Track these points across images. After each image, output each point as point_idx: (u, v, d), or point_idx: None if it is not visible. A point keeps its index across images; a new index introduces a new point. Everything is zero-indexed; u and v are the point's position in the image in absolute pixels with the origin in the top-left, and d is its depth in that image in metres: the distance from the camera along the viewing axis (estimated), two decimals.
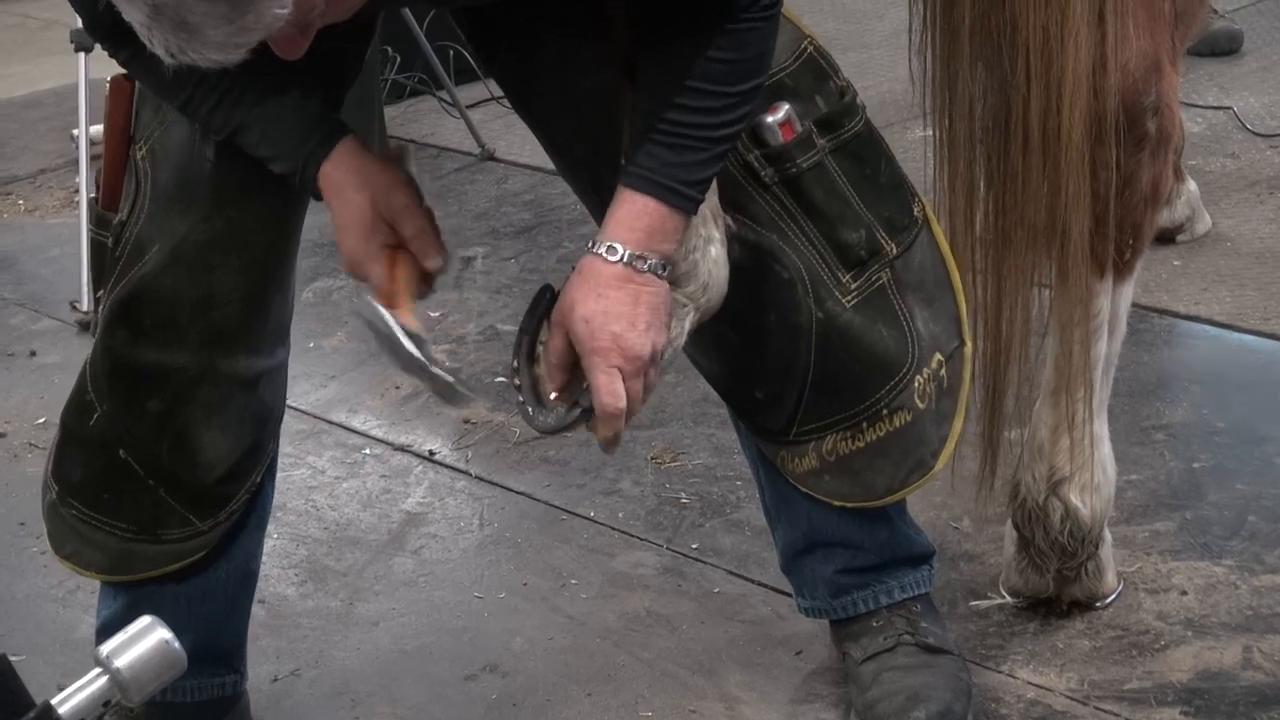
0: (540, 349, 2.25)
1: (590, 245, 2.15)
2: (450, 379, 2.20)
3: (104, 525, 2.45)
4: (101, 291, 2.41)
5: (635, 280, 2.13)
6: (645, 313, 2.14)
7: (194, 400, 2.37)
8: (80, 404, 2.44)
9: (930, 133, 2.62)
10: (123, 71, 2.32)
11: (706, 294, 2.26)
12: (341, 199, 2.21)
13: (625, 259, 2.13)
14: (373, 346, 2.27)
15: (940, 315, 2.49)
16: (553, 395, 2.21)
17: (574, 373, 2.21)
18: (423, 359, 2.18)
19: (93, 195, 2.46)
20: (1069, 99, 2.45)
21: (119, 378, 2.38)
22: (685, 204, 2.15)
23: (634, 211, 2.13)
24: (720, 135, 2.15)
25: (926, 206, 2.52)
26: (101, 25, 2.21)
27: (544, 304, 2.27)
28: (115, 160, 2.37)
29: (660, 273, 2.15)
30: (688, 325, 2.25)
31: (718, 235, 2.26)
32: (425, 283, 2.25)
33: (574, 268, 2.23)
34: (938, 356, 2.48)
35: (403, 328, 2.18)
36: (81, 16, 2.25)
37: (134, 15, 1.81)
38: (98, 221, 2.41)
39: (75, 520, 2.47)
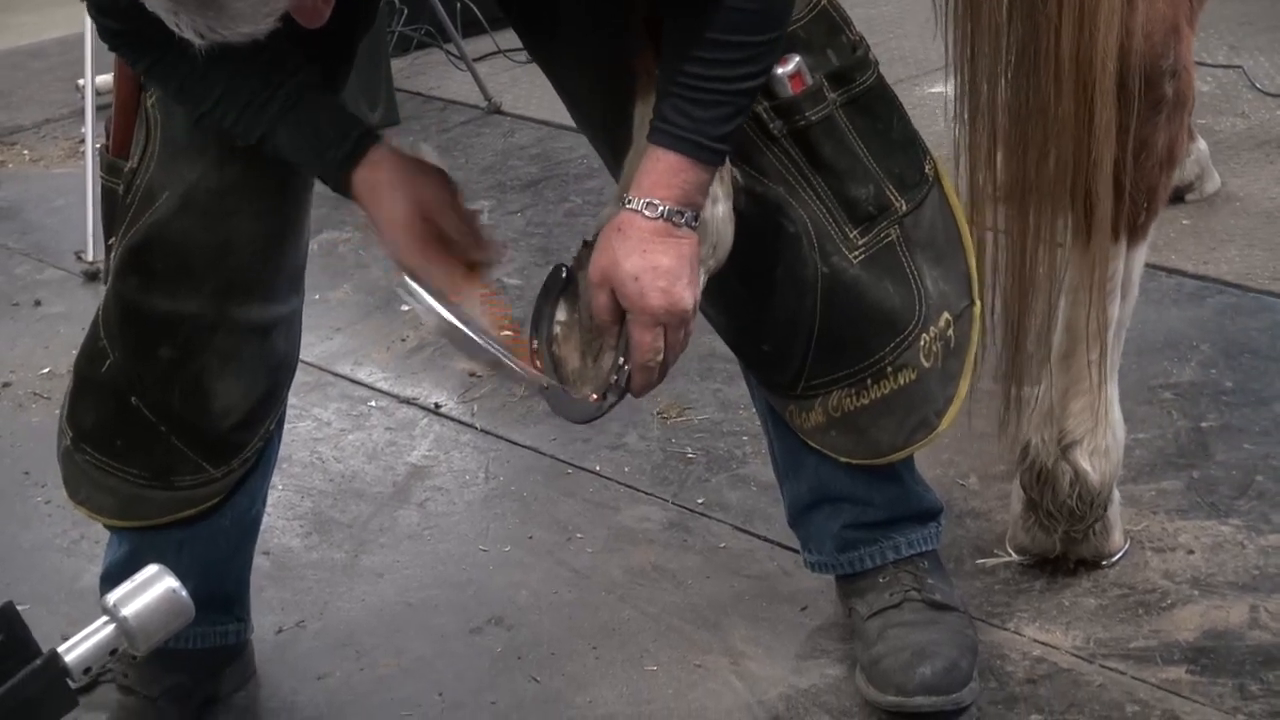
0: (559, 329, 2.26)
1: (627, 202, 2.16)
2: (512, 363, 2.24)
3: (116, 471, 2.45)
4: (113, 239, 2.40)
5: (675, 234, 2.16)
6: (687, 267, 2.17)
7: (208, 348, 2.36)
8: (93, 350, 2.43)
9: (949, 66, 2.58)
10: None
11: (715, 254, 2.26)
12: (379, 202, 2.24)
13: (665, 214, 2.15)
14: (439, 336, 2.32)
15: (950, 274, 2.49)
16: (592, 396, 2.23)
17: (590, 338, 2.23)
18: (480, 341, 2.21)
19: (102, 143, 2.45)
20: (1104, 26, 2.42)
21: (130, 324, 2.38)
22: (714, 159, 2.17)
23: (668, 168, 2.14)
24: (745, 88, 2.17)
25: (938, 164, 2.50)
26: (118, 36, 2.20)
27: (559, 284, 2.27)
28: (126, 107, 2.36)
29: (693, 225, 2.17)
30: (700, 285, 2.26)
31: (722, 192, 2.25)
32: (475, 274, 2.28)
33: (584, 242, 2.25)
34: (946, 316, 2.47)
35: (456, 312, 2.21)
36: (98, 28, 2.25)
37: (158, 3, 1.82)
38: (109, 169, 2.40)
39: (88, 465, 2.47)
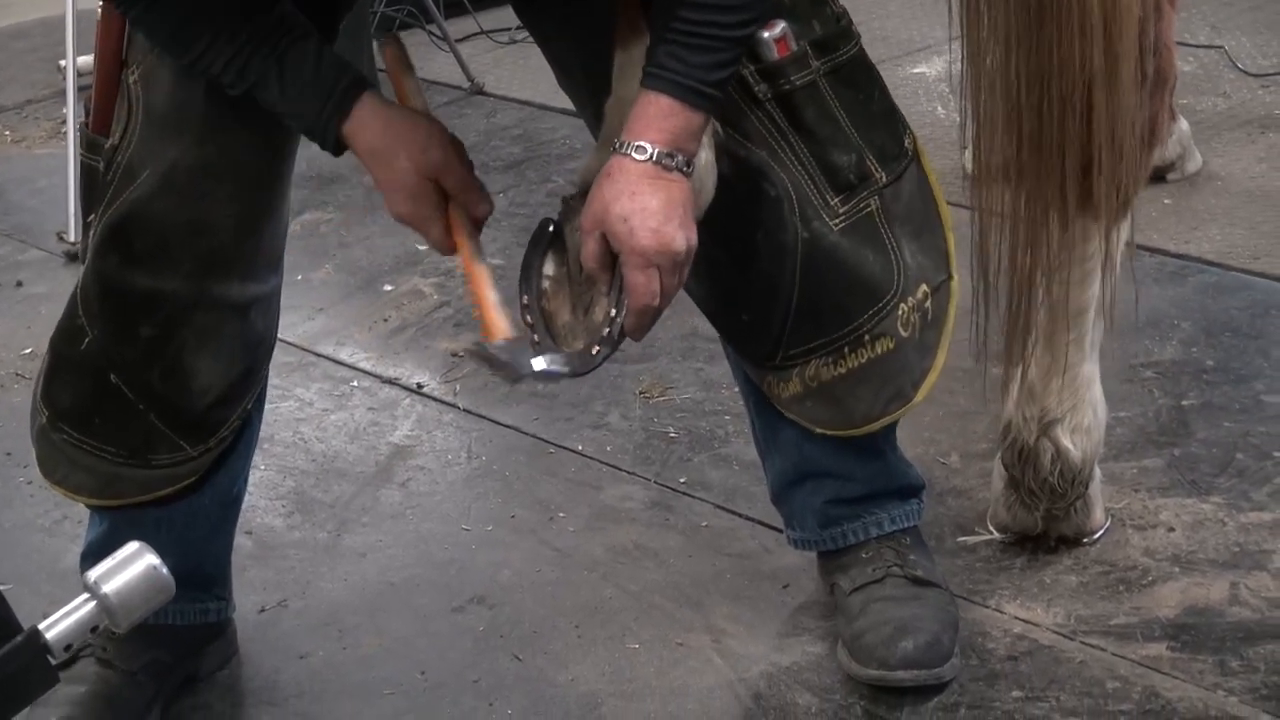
0: (548, 285, 2.25)
1: (617, 146, 2.16)
2: (565, 369, 2.24)
3: (94, 449, 2.45)
4: (92, 216, 2.39)
5: (665, 177, 2.15)
6: (678, 210, 2.16)
7: (187, 326, 2.36)
8: (71, 329, 2.43)
9: (952, 31, 2.56)
10: None
11: (696, 201, 2.24)
12: (380, 163, 2.24)
13: (654, 157, 2.14)
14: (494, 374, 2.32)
15: (927, 248, 2.49)
16: (594, 348, 2.21)
17: (580, 291, 2.23)
18: (543, 368, 2.22)
19: (82, 120, 2.44)
20: None
21: (109, 302, 2.37)
22: (707, 104, 2.17)
23: (659, 112, 2.14)
24: (738, 35, 2.16)
25: (917, 140, 2.51)
26: None
27: (546, 239, 2.27)
28: (107, 83, 2.35)
29: (685, 170, 2.17)
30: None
31: (705, 141, 2.25)
32: (476, 225, 2.30)
33: (563, 200, 2.26)
34: (924, 288, 2.48)
35: (505, 345, 2.22)
36: None
37: None
38: (89, 146, 2.39)
39: (65, 444, 2.46)
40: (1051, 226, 2.57)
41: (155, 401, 2.41)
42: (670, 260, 2.16)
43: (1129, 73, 2.46)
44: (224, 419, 2.47)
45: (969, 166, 2.65)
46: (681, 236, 2.16)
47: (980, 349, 2.69)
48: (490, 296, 2.24)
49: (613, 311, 2.19)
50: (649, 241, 2.14)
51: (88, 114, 2.41)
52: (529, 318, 2.26)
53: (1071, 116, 2.49)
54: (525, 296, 2.26)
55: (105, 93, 2.36)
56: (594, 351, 2.21)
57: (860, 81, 2.42)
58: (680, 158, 2.15)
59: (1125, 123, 2.50)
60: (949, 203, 2.54)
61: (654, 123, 2.14)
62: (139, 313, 2.36)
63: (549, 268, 2.27)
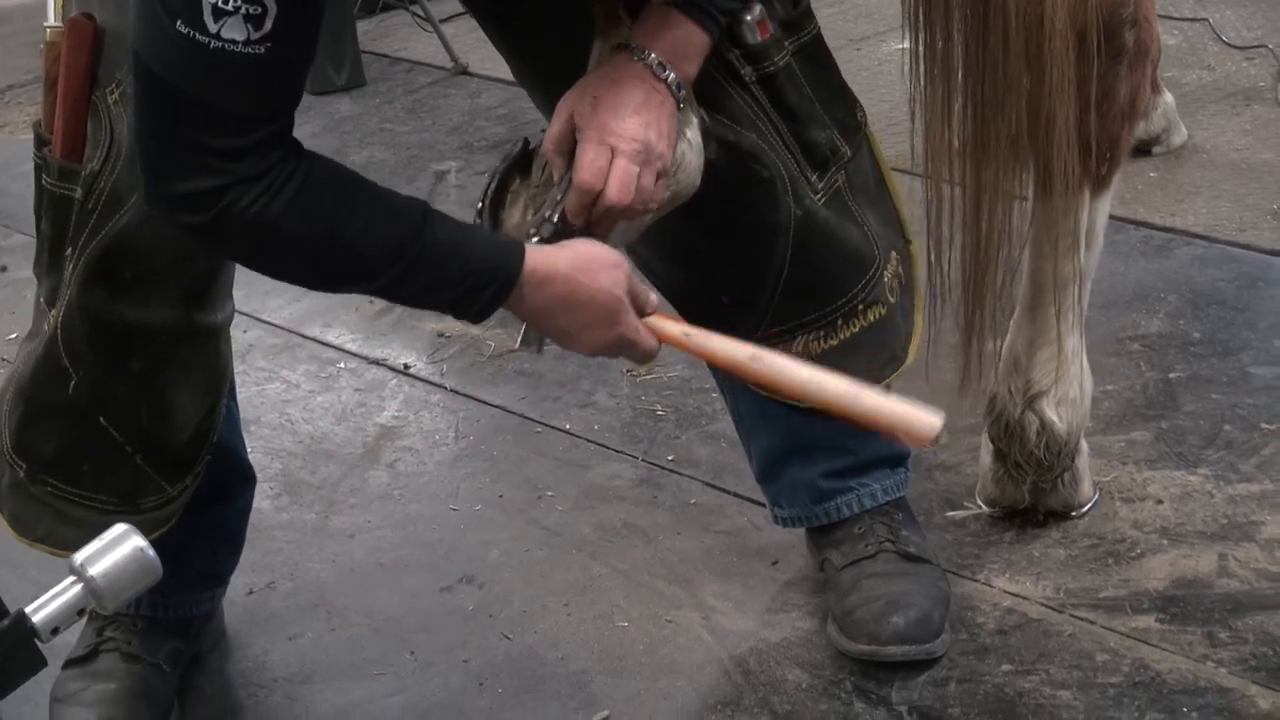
0: (509, 196, 2.23)
1: (618, 45, 2.16)
2: None
3: (84, 500, 2.38)
4: (69, 250, 2.27)
5: (651, 83, 2.14)
6: (653, 113, 2.13)
7: (174, 358, 2.32)
8: (52, 373, 2.33)
9: (905, 21, 2.55)
10: (82, 11, 2.22)
11: (677, 176, 2.23)
12: (582, 289, 2.09)
13: (648, 61, 2.14)
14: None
15: (884, 218, 2.54)
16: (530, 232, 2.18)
17: (535, 194, 2.21)
18: None
19: (36, 121, 2.31)
20: None
21: (98, 338, 2.29)
22: (712, 27, 2.17)
23: (665, 20, 2.15)
24: None
25: (865, 112, 2.53)
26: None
27: (517, 151, 2.25)
28: (77, 107, 2.23)
29: (675, 90, 2.16)
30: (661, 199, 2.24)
31: (695, 120, 2.25)
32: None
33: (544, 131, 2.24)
34: (894, 254, 2.53)
35: None
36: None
37: None
38: (61, 174, 2.26)
39: (50, 497, 2.39)
40: (997, 202, 2.57)
41: (143, 441, 2.36)
42: (631, 148, 2.11)
43: (1055, 78, 2.45)
44: (197, 454, 2.42)
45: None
46: (643, 129, 2.11)
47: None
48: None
49: (558, 195, 2.16)
50: (608, 119, 2.11)
51: (39, 135, 2.29)
52: (479, 220, 2.23)
53: (998, 115, 2.49)
54: (481, 203, 2.23)
55: (77, 114, 2.23)
56: (530, 232, 2.17)
57: (821, 59, 2.45)
58: (673, 74, 2.14)
59: (1055, 124, 2.49)
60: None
61: (656, 30, 2.14)
62: (129, 347, 2.30)
63: (514, 181, 2.24)
